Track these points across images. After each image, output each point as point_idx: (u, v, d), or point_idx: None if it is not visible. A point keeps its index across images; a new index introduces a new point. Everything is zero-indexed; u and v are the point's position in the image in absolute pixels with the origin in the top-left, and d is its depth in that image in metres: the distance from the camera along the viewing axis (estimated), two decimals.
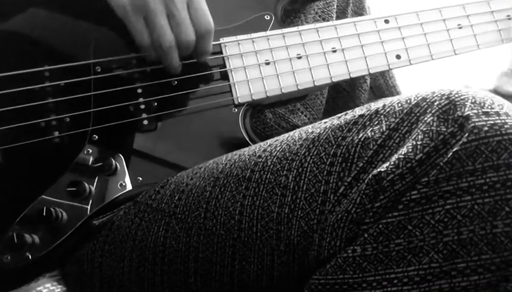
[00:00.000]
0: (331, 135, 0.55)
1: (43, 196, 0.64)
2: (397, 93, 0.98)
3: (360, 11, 0.95)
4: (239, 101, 0.72)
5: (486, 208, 0.46)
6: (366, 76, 0.93)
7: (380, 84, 0.97)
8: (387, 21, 0.78)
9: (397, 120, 0.51)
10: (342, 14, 0.91)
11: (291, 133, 0.60)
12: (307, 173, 0.54)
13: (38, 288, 0.73)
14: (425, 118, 0.49)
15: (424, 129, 0.49)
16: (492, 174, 0.46)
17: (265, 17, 0.77)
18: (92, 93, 0.68)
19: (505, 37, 0.79)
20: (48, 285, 0.74)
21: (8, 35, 0.70)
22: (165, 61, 0.69)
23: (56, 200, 0.64)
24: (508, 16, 0.80)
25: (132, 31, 0.66)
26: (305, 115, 0.81)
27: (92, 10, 0.68)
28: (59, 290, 0.74)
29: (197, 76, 0.72)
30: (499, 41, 0.79)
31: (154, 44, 0.67)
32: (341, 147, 0.53)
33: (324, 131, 0.55)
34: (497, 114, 0.47)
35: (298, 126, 0.73)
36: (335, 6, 0.88)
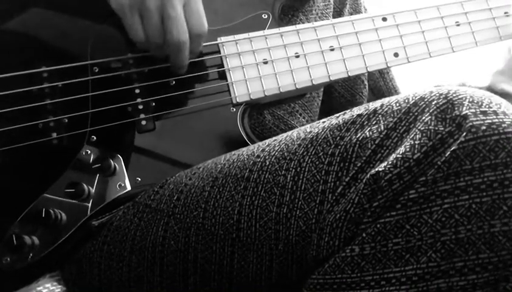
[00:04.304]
0: (329, 135, 0.54)
1: (43, 196, 0.64)
2: (397, 94, 0.98)
3: (356, 13, 0.95)
4: (237, 100, 0.72)
5: (484, 208, 0.46)
6: (366, 80, 0.93)
7: (380, 86, 0.97)
8: (384, 19, 0.78)
9: (395, 119, 0.51)
10: (338, 16, 0.91)
11: (289, 133, 0.60)
12: (306, 173, 0.54)
13: (38, 288, 0.72)
14: (423, 118, 0.49)
15: (421, 128, 0.48)
16: (490, 174, 0.46)
17: (262, 16, 0.77)
18: (90, 94, 0.68)
19: (503, 34, 0.79)
20: (48, 285, 0.73)
21: (6, 36, 0.70)
22: (160, 57, 0.69)
23: (55, 201, 0.64)
24: (506, 12, 0.80)
25: (126, 26, 0.67)
26: (303, 117, 0.81)
27: (90, 10, 0.67)
28: (59, 290, 0.73)
29: (195, 76, 0.72)
30: (497, 38, 0.79)
31: (148, 40, 0.67)
32: (339, 147, 0.53)
33: (322, 131, 0.55)
34: (495, 113, 0.47)
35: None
36: (332, 9, 0.88)
